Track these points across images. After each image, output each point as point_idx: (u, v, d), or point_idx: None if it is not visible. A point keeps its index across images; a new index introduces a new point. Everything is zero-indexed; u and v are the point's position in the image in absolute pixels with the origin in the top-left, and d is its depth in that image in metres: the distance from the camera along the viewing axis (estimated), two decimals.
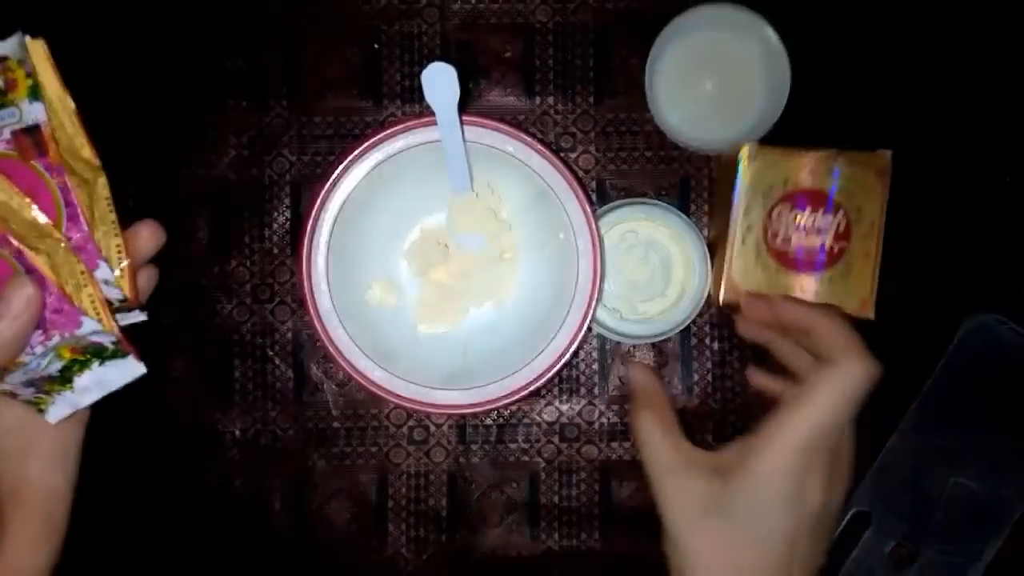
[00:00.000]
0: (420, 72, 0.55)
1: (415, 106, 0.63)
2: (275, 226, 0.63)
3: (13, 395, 0.36)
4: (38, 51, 0.37)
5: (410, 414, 0.63)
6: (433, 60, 0.56)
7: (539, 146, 0.57)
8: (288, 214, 0.63)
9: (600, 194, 0.63)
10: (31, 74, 0.36)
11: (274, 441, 0.63)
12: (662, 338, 0.60)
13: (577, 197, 0.57)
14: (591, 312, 0.55)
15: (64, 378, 0.36)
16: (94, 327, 0.34)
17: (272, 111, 0.63)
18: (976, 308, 0.61)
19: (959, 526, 0.60)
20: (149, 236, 0.40)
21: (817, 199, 0.53)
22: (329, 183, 0.58)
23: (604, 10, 0.63)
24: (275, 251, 0.63)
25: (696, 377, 0.63)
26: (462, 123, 0.56)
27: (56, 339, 0.34)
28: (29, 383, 0.35)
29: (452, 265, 0.60)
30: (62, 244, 0.35)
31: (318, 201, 0.58)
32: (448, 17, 0.63)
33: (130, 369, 0.37)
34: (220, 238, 0.63)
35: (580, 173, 0.63)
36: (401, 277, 0.60)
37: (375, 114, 0.63)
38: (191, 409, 0.63)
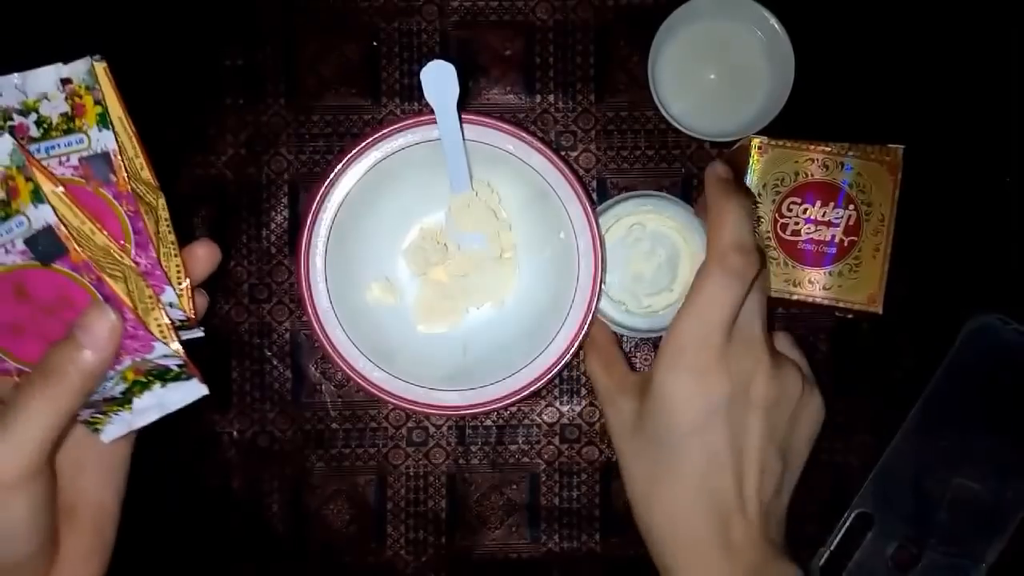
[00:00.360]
0: (419, 70, 0.55)
1: (414, 104, 0.62)
2: (273, 225, 0.62)
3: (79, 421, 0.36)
4: (102, 74, 0.37)
5: (409, 415, 0.62)
6: (432, 58, 0.56)
7: (539, 145, 0.56)
8: (286, 213, 0.62)
9: (601, 193, 0.62)
10: (100, 101, 0.36)
11: (272, 442, 0.62)
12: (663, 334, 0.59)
13: (578, 196, 0.56)
14: (592, 312, 0.54)
15: (124, 399, 0.35)
16: (164, 351, 0.34)
17: (270, 109, 0.62)
18: (979, 308, 0.61)
19: (962, 527, 0.59)
20: (205, 256, 0.41)
21: (828, 193, 0.53)
22: (327, 182, 0.57)
23: (605, 7, 0.62)
24: (273, 251, 0.62)
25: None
26: (462, 121, 0.55)
27: (127, 363, 0.34)
28: (89, 405, 0.35)
29: (451, 265, 0.59)
30: (134, 270, 0.36)
31: (316, 200, 0.57)
32: (447, 14, 0.62)
33: (192, 391, 0.36)
34: (217, 237, 0.62)
35: (581, 172, 0.62)
36: (400, 277, 0.60)
37: (374, 112, 0.62)
38: (189, 410, 0.62)
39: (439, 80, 0.54)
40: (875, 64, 0.62)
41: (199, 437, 0.62)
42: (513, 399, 0.54)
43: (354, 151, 0.56)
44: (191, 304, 0.39)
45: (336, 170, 0.57)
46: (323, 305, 0.55)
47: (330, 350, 0.54)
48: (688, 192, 0.62)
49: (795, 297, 0.54)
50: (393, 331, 0.57)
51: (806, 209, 0.54)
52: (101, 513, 0.40)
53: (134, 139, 0.38)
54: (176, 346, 0.35)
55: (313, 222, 0.57)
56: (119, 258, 0.35)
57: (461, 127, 0.55)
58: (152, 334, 0.34)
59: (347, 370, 0.55)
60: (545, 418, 0.63)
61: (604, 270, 0.55)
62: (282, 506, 0.62)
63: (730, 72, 0.61)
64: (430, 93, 0.55)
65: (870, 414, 0.62)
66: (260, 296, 0.62)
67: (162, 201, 0.39)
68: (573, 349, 0.54)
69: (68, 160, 0.35)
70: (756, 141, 0.54)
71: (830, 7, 0.62)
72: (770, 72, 0.60)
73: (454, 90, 0.54)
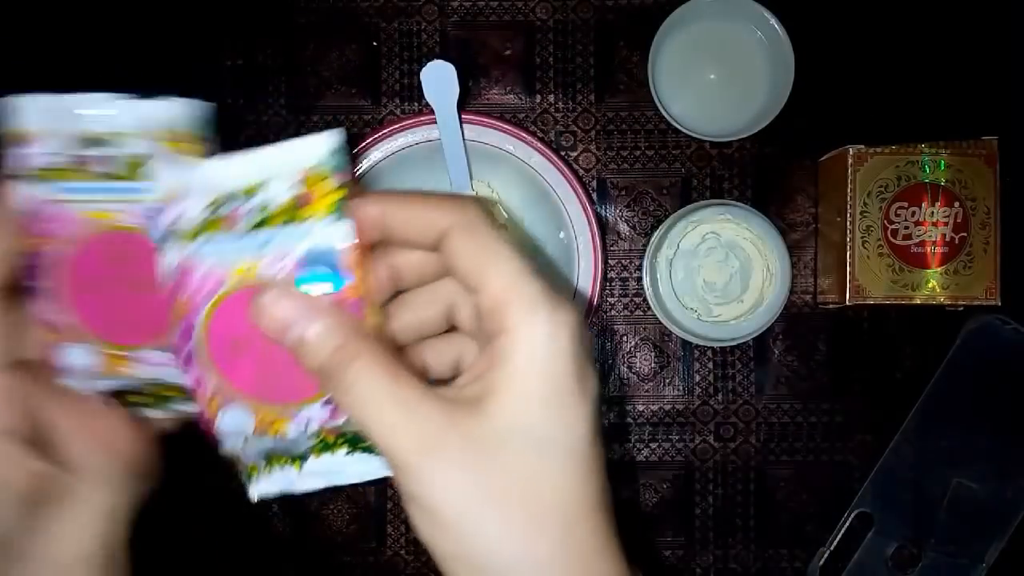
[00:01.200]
0: (419, 70, 0.55)
1: (414, 104, 0.62)
2: None
3: (233, 459, 0.31)
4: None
5: None
6: (432, 58, 0.56)
7: (539, 145, 0.57)
8: None
9: (601, 193, 0.62)
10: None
11: None
12: (732, 343, 0.59)
13: (577, 196, 0.56)
14: (592, 312, 0.54)
15: (299, 455, 0.30)
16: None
17: (270, 109, 0.62)
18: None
19: (961, 528, 0.59)
20: None
21: (932, 192, 0.55)
22: None
23: (605, 7, 0.62)
24: None
25: (697, 378, 0.62)
26: (461, 122, 0.55)
27: (341, 421, 0.29)
28: (262, 451, 0.30)
29: None
30: None
31: None
32: (448, 14, 0.62)
33: (372, 469, 0.29)
34: None
35: (581, 172, 0.62)
36: None
37: (374, 112, 0.62)
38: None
39: (439, 80, 0.54)
40: (875, 64, 0.62)
41: (199, 437, 0.62)
42: None
43: (354, 151, 0.56)
44: None
45: None
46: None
47: None
48: (688, 192, 0.62)
49: (917, 301, 0.55)
50: None
51: (914, 212, 0.55)
52: None
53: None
54: None
55: None
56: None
57: (461, 127, 0.55)
58: None
59: None
60: None
61: (605, 269, 0.55)
62: (282, 506, 0.62)
63: (730, 72, 0.61)
64: (430, 93, 0.55)
65: (870, 414, 0.62)
66: None
67: None
68: None
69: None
70: (853, 151, 0.55)
71: (830, 7, 0.62)
72: (770, 72, 0.60)
73: (454, 90, 0.54)
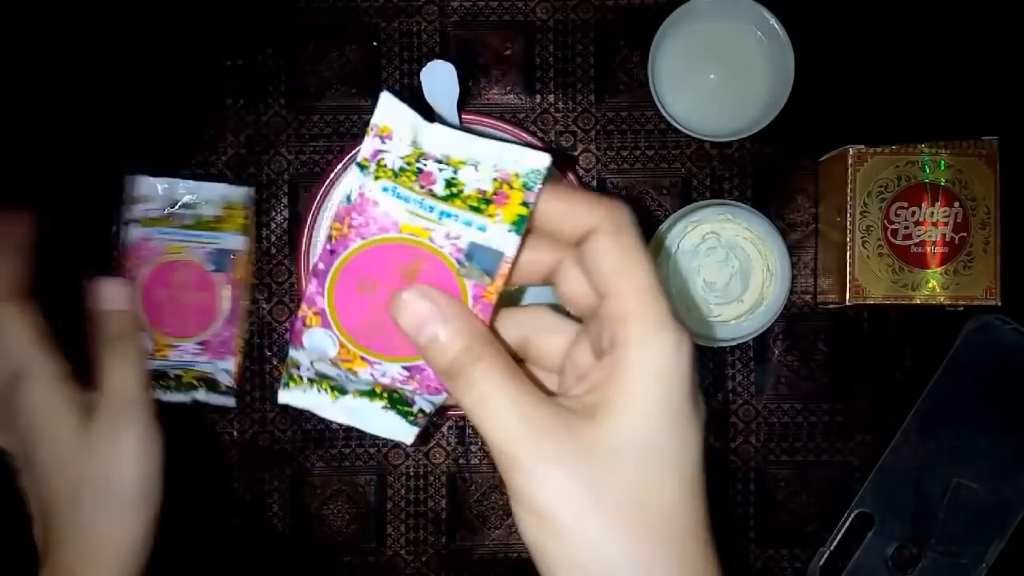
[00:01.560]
0: (419, 70, 0.55)
1: (414, 105, 0.62)
2: (273, 225, 0.62)
3: (288, 363, 0.31)
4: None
5: None
6: (433, 58, 0.56)
7: (539, 145, 0.57)
8: (286, 213, 0.62)
9: (600, 193, 0.62)
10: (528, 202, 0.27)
11: (273, 442, 0.62)
12: (732, 343, 0.59)
13: None
14: None
15: (342, 388, 0.31)
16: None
17: (270, 109, 0.62)
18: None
19: (962, 528, 0.59)
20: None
21: (932, 192, 0.55)
22: (327, 182, 0.57)
23: (605, 7, 0.62)
24: (273, 251, 0.62)
25: (697, 377, 0.62)
26: (462, 122, 0.55)
27: (410, 388, 0.30)
28: (318, 372, 0.31)
29: None
30: None
31: (316, 200, 0.57)
32: (448, 14, 0.62)
33: (398, 430, 0.31)
34: None
35: (581, 172, 0.62)
36: None
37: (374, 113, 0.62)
38: (190, 409, 0.62)
39: (439, 80, 0.54)
40: (875, 64, 0.62)
41: (200, 437, 0.62)
42: None
43: (354, 151, 0.56)
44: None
45: (336, 170, 0.57)
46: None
47: None
48: (688, 192, 0.62)
49: (917, 301, 0.55)
50: None
51: (914, 212, 0.55)
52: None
53: None
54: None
55: (313, 222, 0.57)
56: None
57: (461, 127, 0.55)
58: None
59: None
60: None
61: None
62: (282, 506, 0.62)
63: (730, 72, 0.61)
64: (430, 93, 0.55)
65: (870, 414, 0.62)
66: (260, 296, 0.62)
67: None
68: None
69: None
70: (853, 151, 0.55)
71: (829, 7, 0.62)
72: (770, 72, 0.60)
73: (454, 90, 0.54)
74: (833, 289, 0.58)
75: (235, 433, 0.62)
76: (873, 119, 0.61)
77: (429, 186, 0.28)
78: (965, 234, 0.55)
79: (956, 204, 0.55)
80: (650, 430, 0.26)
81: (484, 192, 0.27)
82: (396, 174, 0.28)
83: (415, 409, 0.31)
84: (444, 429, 0.62)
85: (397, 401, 0.30)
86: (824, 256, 0.61)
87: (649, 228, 0.62)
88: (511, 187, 0.27)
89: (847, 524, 0.60)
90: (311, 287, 0.29)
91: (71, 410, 0.41)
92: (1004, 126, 0.57)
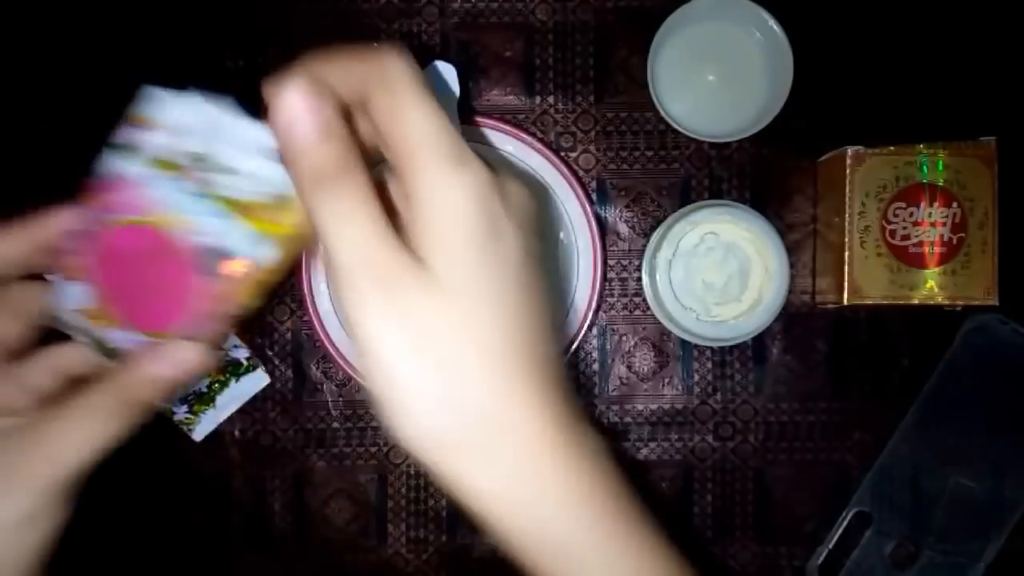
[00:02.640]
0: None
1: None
2: None
3: (172, 414, 0.35)
4: None
5: None
6: (433, 59, 0.56)
7: (539, 145, 0.57)
8: None
9: (600, 194, 0.63)
10: None
11: (274, 441, 0.62)
12: (730, 343, 0.60)
13: (577, 196, 0.57)
14: (591, 312, 0.54)
15: (209, 397, 0.35)
16: (235, 342, 0.33)
17: None
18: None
19: (960, 526, 0.60)
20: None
21: (931, 193, 0.55)
22: None
23: (604, 9, 0.63)
24: None
25: (696, 377, 0.62)
26: (462, 122, 0.56)
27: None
28: (184, 400, 0.35)
29: None
30: None
31: None
32: (448, 16, 0.63)
33: (258, 380, 0.36)
34: None
35: (580, 173, 0.62)
36: None
37: None
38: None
39: (440, 81, 0.54)
40: (874, 65, 0.62)
41: (202, 438, 0.62)
42: None
43: None
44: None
45: None
46: (324, 306, 0.55)
47: (332, 350, 0.55)
48: (687, 193, 0.63)
49: (915, 301, 0.55)
50: None
51: (912, 212, 0.55)
52: None
53: None
54: (244, 336, 0.34)
55: None
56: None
57: (461, 128, 0.56)
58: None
59: (348, 370, 0.55)
60: None
61: (605, 270, 0.55)
62: (283, 505, 0.62)
63: (729, 73, 0.61)
64: None
65: (868, 413, 0.62)
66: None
67: None
68: (573, 348, 0.54)
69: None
70: (851, 151, 0.55)
71: (828, 8, 0.62)
72: (769, 73, 0.60)
73: (454, 91, 0.54)
74: (831, 289, 0.58)
75: (236, 432, 0.62)
76: (871, 120, 0.62)
77: (191, 180, 0.29)
78: (963, 234, 0.55)
79: (954, 204, 0.55)
80: (467, 273, 0.25)
81: (247, 202, 0.28)
82: (166, 164, 0.29)
83: (243, 358, 0.35)
84: None
85: (233, 368, 0.35)
86: (822, 256, 0.61)
87: (648, 228, 0.62)
88: (273, 207, 0.28)
89: (846, 522, 0.60)
90: (70, 246, 0.31)
91: None
92: (1002, 126, 0.58)
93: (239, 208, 0.28)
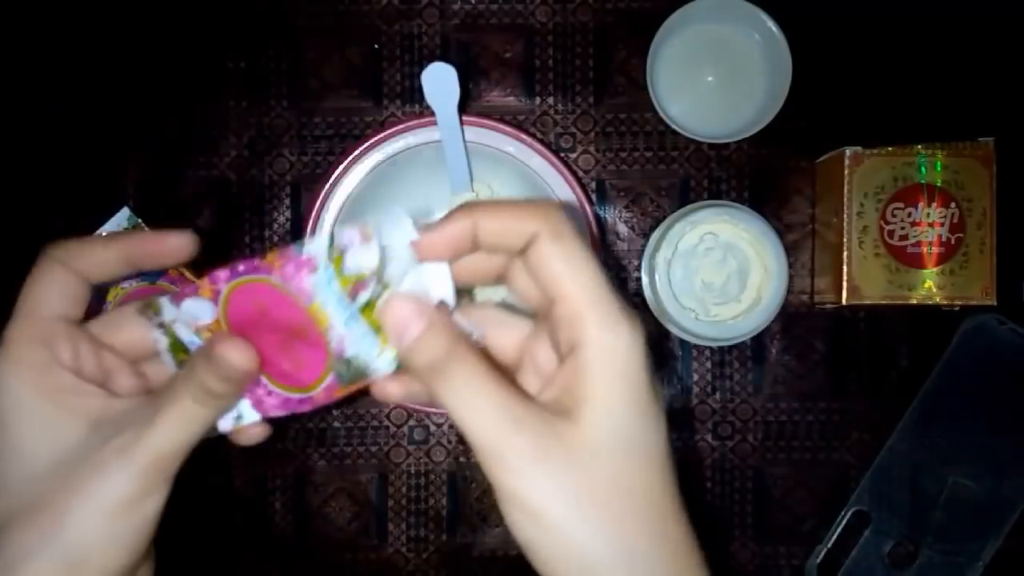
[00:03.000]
0: (420, 72, 0.56)
1: (415, 106, 0.63)
2: (275, 226, 0.63)
3: None
4: None
5: (410, 413, 0.63)
6: (433, 60, 0.56)
7: (539, 146, 0.57)
8: (288, 214, 0.63)
9: (600, 194, 0.63)
10: None
11: (274, 440, 0.63)
12: (729, 343, 0.60)
13: (577, 197, 0.57)
14: None
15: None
16: None
17: (272, 111, 0.63)
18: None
19: (958, 526, 0.60)
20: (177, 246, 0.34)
21: (929, 193, 0.55)
22: (329, 183, 0.58)
23: (604, 10, 0.63)
24: None
25: (696, 377, 0.63)
26: (462, 123, 0.56)
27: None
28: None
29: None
30: None
31: (318, 201, 0.58)
32: (448, 17, 0.63)
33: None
34: (220, 238, 0.63)
35: (580, 173, 0.63)
36: None
37: (375, 114, 0.63)
38: None
39: (440, 82, 0.54)
40: (872, 65, 0.63)
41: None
42: None
43: (356, 152, 0.57)
44: None
45: (338, 171, 0.58)
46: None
47: None
48: (686, 193, 0.63)
49: (913, 301, 0.55)
50: None
51: (910, 212, 0.55)
52: None
53: None
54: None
55: (315, 223, 0.58)
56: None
57: (462, 129, 0.56)
58: None
59: None
60: None
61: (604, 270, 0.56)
62: (284, 504, 0.63)
63: (728, 74, 0.61)
64: (431, 95, 0.55)
65: (867, 413, 0.62)
66: None
67: None
68: None
69: None
70: (850, 152, 0.55)
71: (827, 10, 0.62)
72: (767, 74, 0.60)
73: (455, 92, 0.55)
74: (830, 289, 0.59)
75: None
76: (870, 120, 0.62)
77: (356, 293, 0.29)
78: (961, 234, 0.56)
79: (952, 205, 0.56)
80: (621, 423, 0.27)
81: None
82: (344, 274, 0.29)
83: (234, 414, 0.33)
84: (445, 428, 0.63)
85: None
86: (821, 256, 0.61)
87: (647, 228, 0.63)
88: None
89: (844, 522, 0.60)
90: (222, 273, 0.31)
91: None
92: (1000, 127, 0.58)
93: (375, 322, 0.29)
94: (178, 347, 0.32)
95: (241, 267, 0.31)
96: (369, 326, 0.29)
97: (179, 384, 0.30)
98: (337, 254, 0.29)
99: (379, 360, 0.30)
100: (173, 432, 0.30)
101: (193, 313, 0.32)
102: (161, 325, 0.32)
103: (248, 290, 0.31)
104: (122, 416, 0.31)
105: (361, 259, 0.29)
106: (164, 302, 0.32)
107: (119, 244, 0.31)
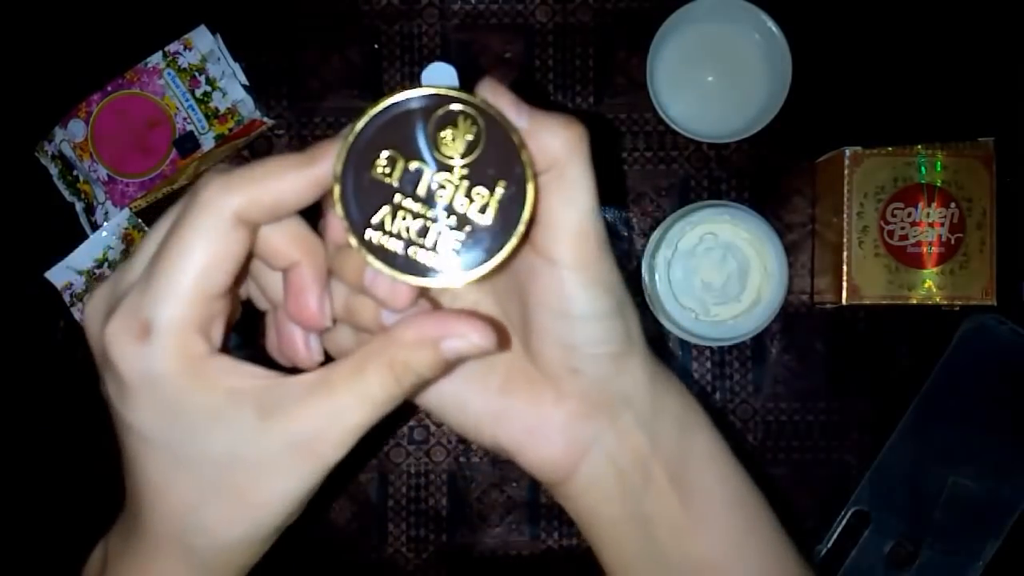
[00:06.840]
0: (420, 72, 0.56)
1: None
2: None
3: None
4: None
5: (410, 413, 0.63)
6: (433, 60, 0.56)
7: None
8: None
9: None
10: None
11: None
12: (729, 343, 0.60)
13: None
14: None
15: None
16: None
17: (272, 111, 0.63)
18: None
19: (958, 526, 0.60)
20: None
21: (929, 193, 0.55)
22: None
23: (604, 10, 0.63)
24: None
25: (695, 377, 0.63)
26: None
27: None
28: None
29: None
30: None
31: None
32: (448, 17, 0.63)
33: None
34: None
35: None
36: None
37: None
38: None
39: (440, 82, 0.54)
40: (872, 65, 0.63)
41: None
42: None
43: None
44: None
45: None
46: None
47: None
48: (686, 193, 0.63)
49: (913, 301, 0.55)
50: None
51: (910, 212, 0.55)
52: None
53: None
54: None
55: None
56: None
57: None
58: None
59: None
60: None
61: None
62: None
63: (728, 74, 0.61)
64: None
65: (867, 413, 0.62)
66: None
67: None
68: None
69: None
70: (849, 152, 0.55)
71: (827, 10, 0.62)
72: (768, 74, 0.60)
73: None
74: (830, 289, 0.59)
75: None
76: (870, 120, 0.62)
77: (193, 88, 0.58)
78: (961, 234, 0.56)
79: (952, 205, 0.56)
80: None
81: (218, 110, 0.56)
82: (180, 69, 0.57)
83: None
84: (445, 427, 0.63)
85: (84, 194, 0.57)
86: (821, 256, 0.61)
87: (647, 228, 0.63)
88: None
89: (844, 522, 0.60)
90: (96, 96, 0.52)
91: None
92: (1000, 127, 0.58)
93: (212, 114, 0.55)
94: (65, 172, 0.53)
95: (109, 87, 0.54)
96: (203, 112, 0.57)
97: (368, 363, 0.26)
98: (170, 59, 0.55)
99: (204, 137, 0.55)
100: (357, 420, 0.27)
101: (72, 132, 0.51)
102: (53, 157, 0.44)
103: (113, 104, 0.55)
104: (285, 395, 0.27)
105: (191, 60, 0.57)
106: (56, 128, 0.46)
107: (293, 162, 0.26)
